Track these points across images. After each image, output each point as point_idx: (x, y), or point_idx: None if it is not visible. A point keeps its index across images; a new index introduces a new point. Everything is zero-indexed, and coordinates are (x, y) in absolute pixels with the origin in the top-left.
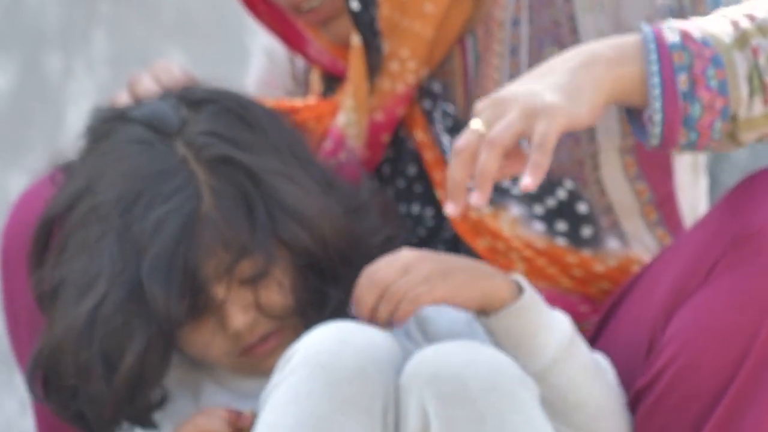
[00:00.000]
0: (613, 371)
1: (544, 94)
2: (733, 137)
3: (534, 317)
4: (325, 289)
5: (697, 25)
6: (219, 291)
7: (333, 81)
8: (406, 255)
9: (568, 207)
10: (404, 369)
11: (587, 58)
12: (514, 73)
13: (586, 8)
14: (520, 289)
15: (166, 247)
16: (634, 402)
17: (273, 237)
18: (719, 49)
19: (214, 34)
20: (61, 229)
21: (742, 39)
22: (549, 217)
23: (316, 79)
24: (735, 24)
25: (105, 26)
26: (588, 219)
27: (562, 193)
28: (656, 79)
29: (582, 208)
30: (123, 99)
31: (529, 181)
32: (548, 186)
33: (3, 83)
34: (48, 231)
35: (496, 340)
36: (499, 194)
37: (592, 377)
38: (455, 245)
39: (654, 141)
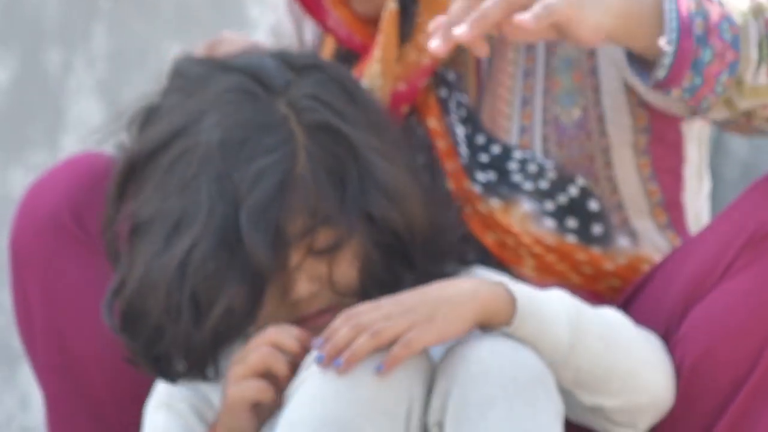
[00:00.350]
0: (626, 318)
1: None
2: (730, 102)
3: (537, 319)
4: (397, 275)
5: None
6: (294, 255)
7: (343, 59)
8: (387, 302)
9: (579, 204)
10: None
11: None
12: (530, 66)
13: None
14: (510, 294)
15: (264, 200)
16: None
17: (360, 211)
18: (734, 12)
19: (214, 29)
20: (152, 164)
21: (757, 9)
22: (560, 214)
23: (326, 56)
24: None
25: (105, 22)
26: (599, 217)
27: (573, 190)
28: (674, 14)
29: (593, 205)
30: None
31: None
32: (560, 183)
33: (3, 78)
34: (136, 165)
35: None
36: (511, 189)
37: (611, 341)
38: (465, 239)
39: (661, 73)
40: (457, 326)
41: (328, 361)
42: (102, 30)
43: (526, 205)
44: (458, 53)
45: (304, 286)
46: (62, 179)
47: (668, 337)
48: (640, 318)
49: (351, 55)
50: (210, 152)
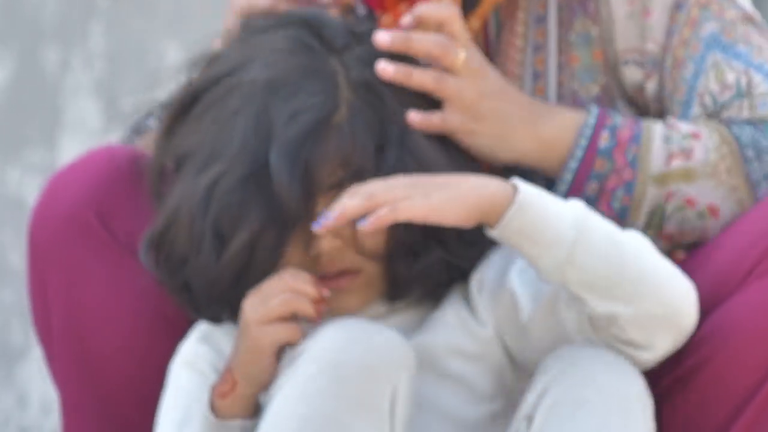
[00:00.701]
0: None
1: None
2: None
3: (539, 209)
4: (424, 247)
5: (636, 136)
6: (321, 205)
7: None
8: (396, 178)
9: None
10: None
11: (529, 119)
12: (540, 41)
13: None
14: (515, 190)
15: (297, 138)
16: (664, 395)
17: (393, 172)
18: (639, 177)
19: (211, 28)
20: (199, 102)
21: (664, 178)
22: None
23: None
24: (672, 158)
25: (103, 21)
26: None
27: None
28: (569, 176)
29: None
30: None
31: None
32: None
33: (1, 77)
34: (185, 104)
35: (513, 248)
36: None
37: (620, 244)
38: None
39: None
40: (451, 212)
41: (336, 222)
42: (100, 29)
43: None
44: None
45: (327, 241)
46: (85, 173)
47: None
48: None
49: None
50: (253, 90)
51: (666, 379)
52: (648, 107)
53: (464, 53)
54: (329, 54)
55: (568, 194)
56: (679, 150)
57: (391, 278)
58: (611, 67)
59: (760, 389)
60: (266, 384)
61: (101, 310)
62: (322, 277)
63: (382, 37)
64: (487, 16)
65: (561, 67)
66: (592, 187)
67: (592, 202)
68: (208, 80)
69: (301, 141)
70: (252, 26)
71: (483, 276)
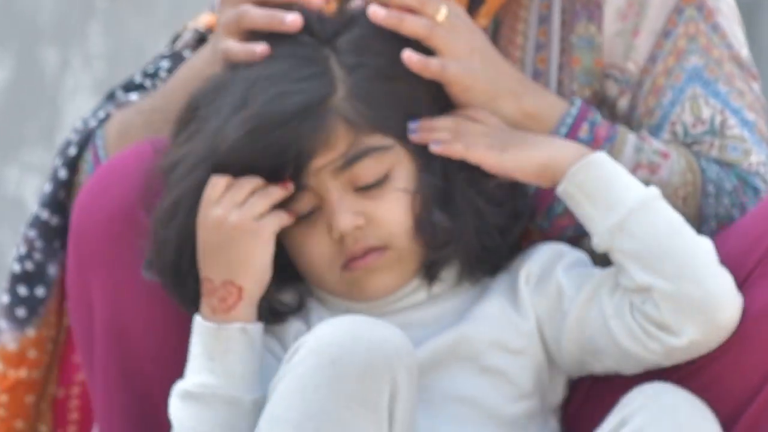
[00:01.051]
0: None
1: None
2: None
3: (607, 173)
4: (446, 222)
5: (612, 137)
6: (332, 187)
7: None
8: (492, 120)
9: None
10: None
11: (516, 90)
12: (543, 40)
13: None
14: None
15: (273, 114)
16: None
17: (401, 144)
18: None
19: None
20: (204, 105)
21: None
22: None
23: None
24: (638, 168)
25: (101, 21)
26: None
27: None
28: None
29: None
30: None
31: None
32: None
33: (0, 77)
34: (188, 115)
35: (573, 206)
36: None
37: (680, 230)
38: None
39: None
40: (520, 171)
41: (421, 137)
42: (98, 29)
43: None
44: None
45: (346, 218)
46: (132, 167)
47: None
48: None
49: None
50: (244, 83)
51: (667, 382)
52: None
53: (446, 9)
54: (321, 44)
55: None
56: (647, 163)
57: (422, 251)
58: (604, 76)
59: (760, 393)
60: (267, 282)
61: (145, 312)
62: (351, 257)
63: (375, 12)
64: (495, 15)
65: (562, 67)
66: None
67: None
68: (204, 89)
69: (275, 121)
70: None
71: (530, 269)
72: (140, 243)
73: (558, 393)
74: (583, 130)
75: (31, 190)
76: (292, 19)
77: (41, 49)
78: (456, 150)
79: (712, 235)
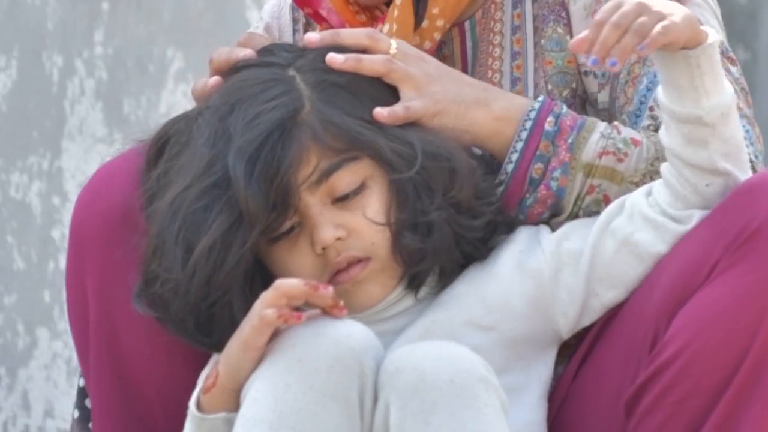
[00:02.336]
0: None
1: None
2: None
3: (718, 63)
4: (422, 217)
5: (579, 125)
6: (311, 202)
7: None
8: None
9: None
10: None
11: (482, 99)
12: (517, 48)
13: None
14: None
15: (256, 137)
16: (636, 396)
17: (371, 152)
18: (573, 160)
19: (214, 33)
20: (166, 144)
21: (592, 168)
22: None
23: None
24: (604, 154)
25: (105, 26)
26: None
27: None
28: (515, 156)
29: None
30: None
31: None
32: None
33: (3, 82)
34: (153, 150)
35: (688, 72)
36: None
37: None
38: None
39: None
40: (685, 31)
41: (602, 62)
42: (102, 34)
43: None
44: (443, 46)
45: (328, 231)
46: (133, 166)
47: (657, 338)
48: (629, 317)
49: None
50: (210, 114)
51: (639, 379)
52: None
53: (395, 42)
54: (283, 67)
55: (514, 174)
56: (614, 149)
57: (403, 258)
58: (580, 73)
59: (730, 384)
60: (244, 381)
61: (137, 314)
62: (336, 270)
63: (310, 37)
64: (438, 37)
65: (536, 71)
66: (537, 168)
67: (536, 183)
68: (174, 120)
69: (260, 143)
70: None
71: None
72: (135, 246)
73: (545, 368)
74: (549, 123)
75: (35, 195)
76: (245, 53)
77: (45, 55)
78: (658, 39)
79: None
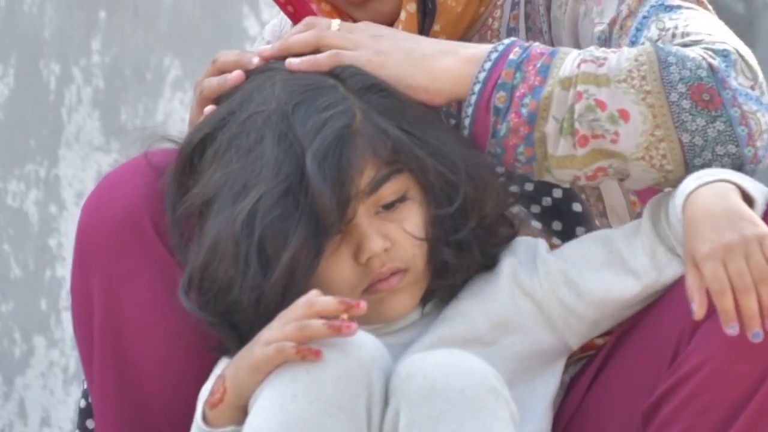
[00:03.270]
0: None
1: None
2: (548, 169)
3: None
4: (454, 235)
5: (552, 52)
6: (361, 212)
7: None
8: None
9: (563, 206)
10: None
11: (448, 49)
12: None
13: (559, 26)
14: None
15: (328, 145)
16: (655, 407)
17: (416, 167)
18: (548, 81)
19: (212, 42)
20: (206, 151)
21: (572, 79)
22: (546, 217)
23: None
24: (582, 63)
25: (102, 34)
26: (582, 218)
27: (557, 193)
28: (477, 87)
29: (576, 207)
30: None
31: None
32: (544, 186)
33: (0, 91)
34: (190, 157)
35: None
36: None
37: None
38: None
39: (465, 132)
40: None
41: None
42: (100, 42)
43: (515, 208)
44: None
45: (377, 242)
46: (141, 174)
47: (678, 350)
48: (649, 330)
49: None
50: (267, 117)
51: (659, 390)
52: None
53: (338, 21)
54: (322, 76)
55: (477, 104)
56: (591, 58)
57: (437, 271)
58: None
59: (751, 399)
60: (251, 396)
61: (140, 320)
62: (378, 279)
63: (264, 53)
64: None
65: None
66: (499, 96)
67: (503, 112)
68: (214, 123)
69: (333, 147)
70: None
71: (514, 260)
72: (142, 253)
73: (552, 378)
74: (515, 53)
75: (32, 203)
76: (257, 60)
77: (43, 63)
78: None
79: (682, 98)
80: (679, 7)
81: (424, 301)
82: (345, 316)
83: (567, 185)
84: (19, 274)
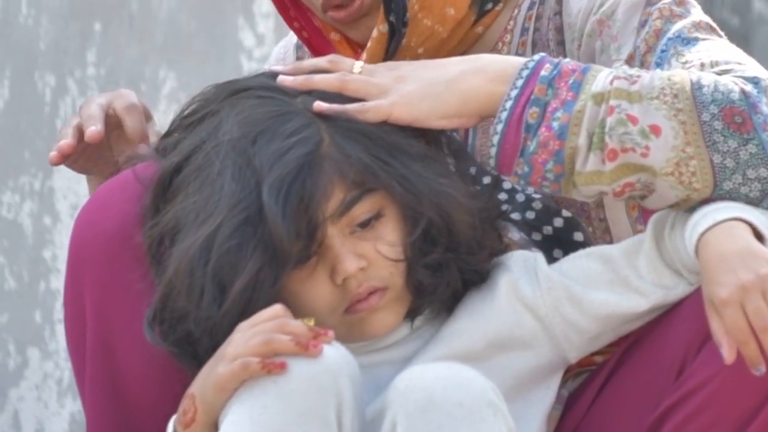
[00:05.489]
0: None
1: (412, 82)
2: (575, 185)
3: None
4: (439, 254)
5: (584, 69)
6: (333, 233)
7: None
8: None
9: (564, 235)
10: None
11: (473, 68)
12: None
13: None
14: None
15: (287, 173)
16: (659, 422)
17: (394, 175)
18: (580, 96)
19: (207, 53)
20: (177, 178)
21: (604, 95)
22: (546, 244)
23: None
24: (615, 79)
25: (97, 46)
26: (583, 248)
27: (558, 222)
28: (509, 104)
29: (578, 236)
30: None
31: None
32: (546, 214)
33: None
34: (164, 183)
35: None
36: (500, 219)
37: None
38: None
39: (491, 161)
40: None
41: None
42: (95, 54)
43: (515, 235)
44: None
45: (352, 263)
46: (132, 187)
47: (684, 366)
48: (654, 345)
49: None
50: (228, 148)
51: (665, 403)
52: None
53: (361, 62)
54: (290, 98)
55: (509, 122)
56: (625, 75)
57: (415, 288)
58: None
59: (756, 417)
60: (220, 413)
61: (132, 332)
62: (356, 299)
63: (283, 79)
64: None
65: None
66: (532, 112)
67: (534, 128)
68: (182, 154)
69: (293, 177)
70: (206, 99)
71: (512, 276)
72: (135, 266)
73: (547, 392)
74: (546, 69)
75: (27, 215)
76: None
77: (38, 75)
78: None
79: (714, 119)
80: (696, 39)
81: (413, 316)
82: None
83: (560, 220)
84: (13, 285)
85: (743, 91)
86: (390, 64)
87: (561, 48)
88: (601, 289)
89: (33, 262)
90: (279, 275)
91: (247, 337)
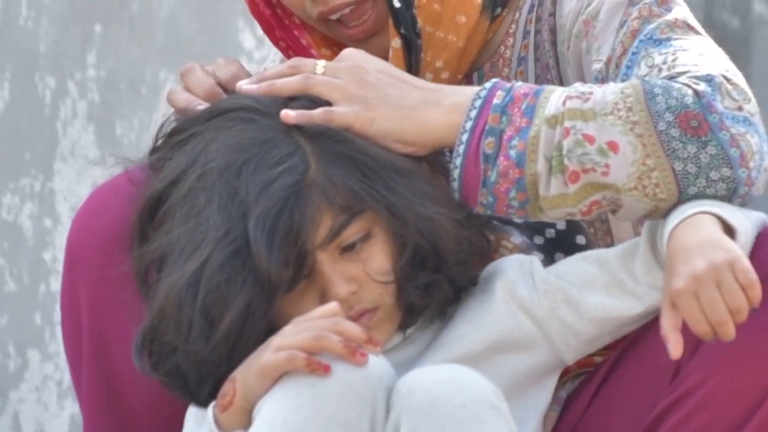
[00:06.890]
0: None
1: (386, 102)
2: (541, 209)
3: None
4: (428, 272)
5: (537, 92)
6: (323, 259)
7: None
8: None
9: (566, 238)
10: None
11: (432, 99)
12: (521, 80)
13: (564, 62)
14: None
15: (274, 205)
16: (655, 424)
17: (381, 198)
18: (534, 121)
19: (206, 55)
20: (164, 204)
21: (558, 117)
22: (548, 248)
23: None
24: (567, 99)
25: (98, 48)
26: (585, 251)
27: (560, 225)
28: (465, 136)
29: (580, 240)
30: (179, 95)
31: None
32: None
33: None
34: (150, 209)
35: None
36: (502, 222)
37: None
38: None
39: (455, 194)
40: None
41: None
42: (95, 57)
43: (517, 238)
44: None
45: (342, 287)
46: (126, 190)
47: (680, 368)
48: (650, 347)
49: None
50: (214, 178)
51: (661, 404)
52: None
53: (323, 62)
54: (273, 119)
55: (467, 154)
56: (577, 94)
57: (406, 306)
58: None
59: (751, 419)
60: (258, 400)
61: (127, 334)
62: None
63: (247, 88)
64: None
65: None
66: (488, 142)
67: (492, 158)
68: (166, 182)
69: (281, 205)
70: (185, 127)
71: (507, 281)
72: (130, 268)
73: (543, 393)
74: (498, 97)
75: (27, 217)
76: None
77: (38, 77)
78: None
79: (671, 126)
80: (668, 39)
81: (406, 326)
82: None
83: (562, 223)
84: (13, 287)
85: (696, 93)
86: (354, 65)
87: (554, 49)
88: (597, 292)
89: (33, 264)
90: (270, 307)
91: (299, 329)
